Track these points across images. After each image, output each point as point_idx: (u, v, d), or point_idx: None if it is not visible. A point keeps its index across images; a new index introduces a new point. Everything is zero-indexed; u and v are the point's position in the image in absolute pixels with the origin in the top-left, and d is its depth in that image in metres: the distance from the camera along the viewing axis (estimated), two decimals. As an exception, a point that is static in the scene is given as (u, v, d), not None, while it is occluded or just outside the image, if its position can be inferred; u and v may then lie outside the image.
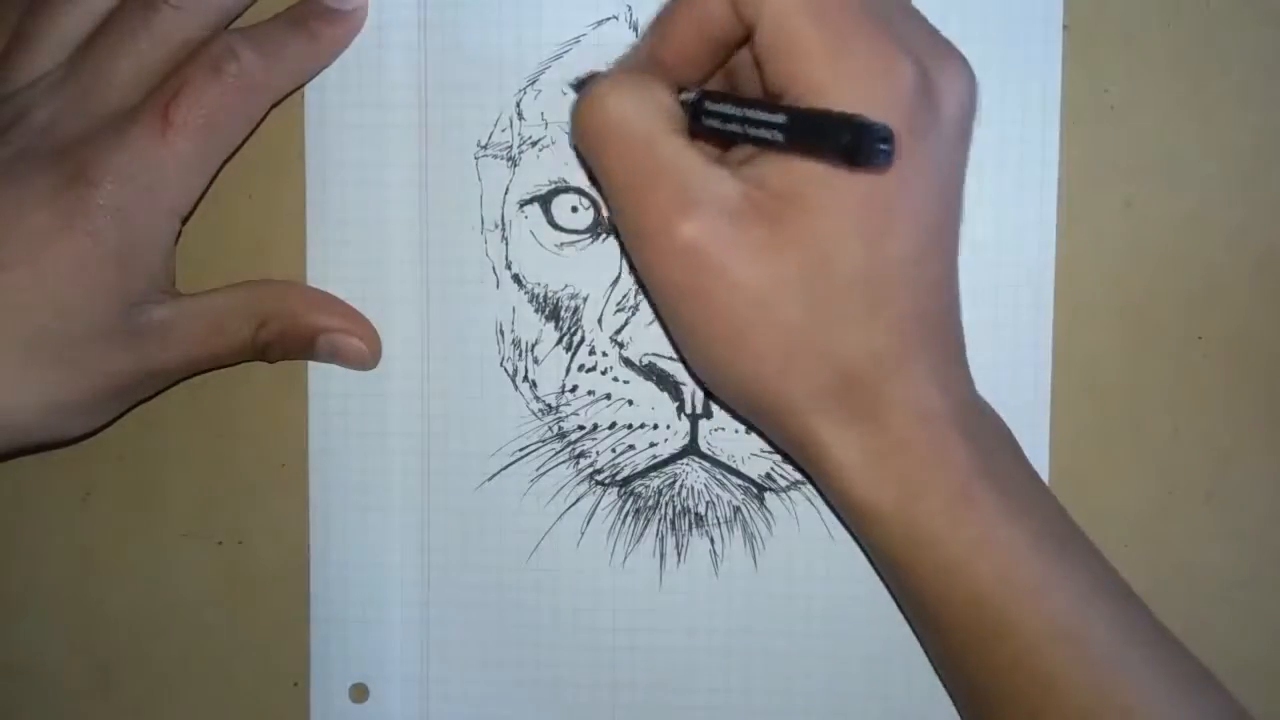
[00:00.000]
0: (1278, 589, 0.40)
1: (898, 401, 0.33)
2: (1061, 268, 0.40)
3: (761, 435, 0.40)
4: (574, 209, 0.41)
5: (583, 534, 0.42)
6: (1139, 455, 0.40)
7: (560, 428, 0.41)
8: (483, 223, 0.41)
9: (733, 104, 0.33)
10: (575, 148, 0.38)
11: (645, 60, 0.35)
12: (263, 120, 0.39)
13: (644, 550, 0.42)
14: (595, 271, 0.41)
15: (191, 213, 0.39)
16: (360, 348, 0.41)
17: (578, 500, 0.42)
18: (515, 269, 0.41)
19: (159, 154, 0.37)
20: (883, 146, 0.29)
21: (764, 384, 0.33)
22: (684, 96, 0.34)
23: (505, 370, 0.41)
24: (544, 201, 0.41)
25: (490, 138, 0.41)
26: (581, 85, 0.40)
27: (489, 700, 0.42)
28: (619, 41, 0.40)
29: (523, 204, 0.41)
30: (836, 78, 0.31)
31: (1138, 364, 0.40)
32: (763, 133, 0.32)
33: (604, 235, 0.41)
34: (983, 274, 0.40)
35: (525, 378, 0.41)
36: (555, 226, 0.41)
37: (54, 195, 0.36)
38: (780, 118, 0.31)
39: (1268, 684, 0.40)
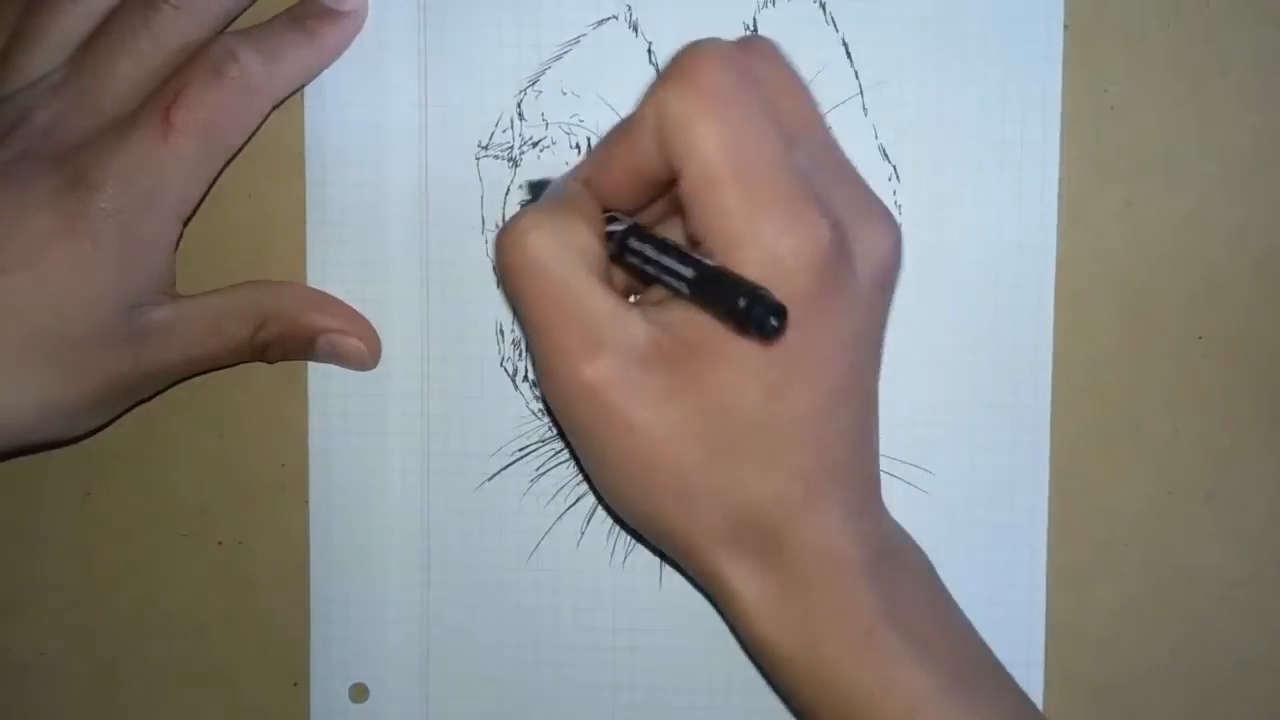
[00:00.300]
0: (1278, 589, 0.40)
1: (799, 545, 0.33)
2: (1061, 268, 0.40)
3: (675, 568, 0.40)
4: (574, 209, 0.41)
5: (583, 534, 0.42)
6: (1139, 455, 0.40)
7: (560, 428, 0.41)
8: (483, 223, 0.41)
9: (652, 247, 0.33)
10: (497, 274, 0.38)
11: (579, 186, 0.35)
12: (264, 121, 0.39)
13: (644, 550, 0.42)
14: (595, 271, 0.41)
15: (193, 214, 0.39)
16: (360, 348, 0.41)
17: (578, 500, 0.42)
18: (515, 269, 0.41)
19: (160, 156, 0.37)
20: (772, 321, 0.30)
21: (668, 522, 0.34)
22: (612, 227, 0.35)
23: (505, 370, 0.41)
24: (544, 201, 0.41)
25: (491, 138, 0.41)
26: (534, 188, 0.40)
27: (489, 700, 0.42)
28: (619, 41, 0.40)
29: (523, 204, 0.41)
30: (751, 234, 0.31)
31: (1138, 364, 0.40)
32: (672, 281, 0.32)
33: (604, 235, 0.41)
34: (983, 274, 0.40)
35: (525, 378, 0.41)
36: (555, 226, 0.41)
37: (55, 198, 0.36)
38: (688, 271, 0.32)
39: (1268, 684, 0.40)
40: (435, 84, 0.41)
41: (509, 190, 0.41)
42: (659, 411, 0.33)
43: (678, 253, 0.32)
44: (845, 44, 0.40)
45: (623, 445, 0.33)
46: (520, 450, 0.42)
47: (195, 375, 0.41)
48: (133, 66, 0.38)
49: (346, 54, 0.41)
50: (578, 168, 0.37)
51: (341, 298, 0.41)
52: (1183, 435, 0.40)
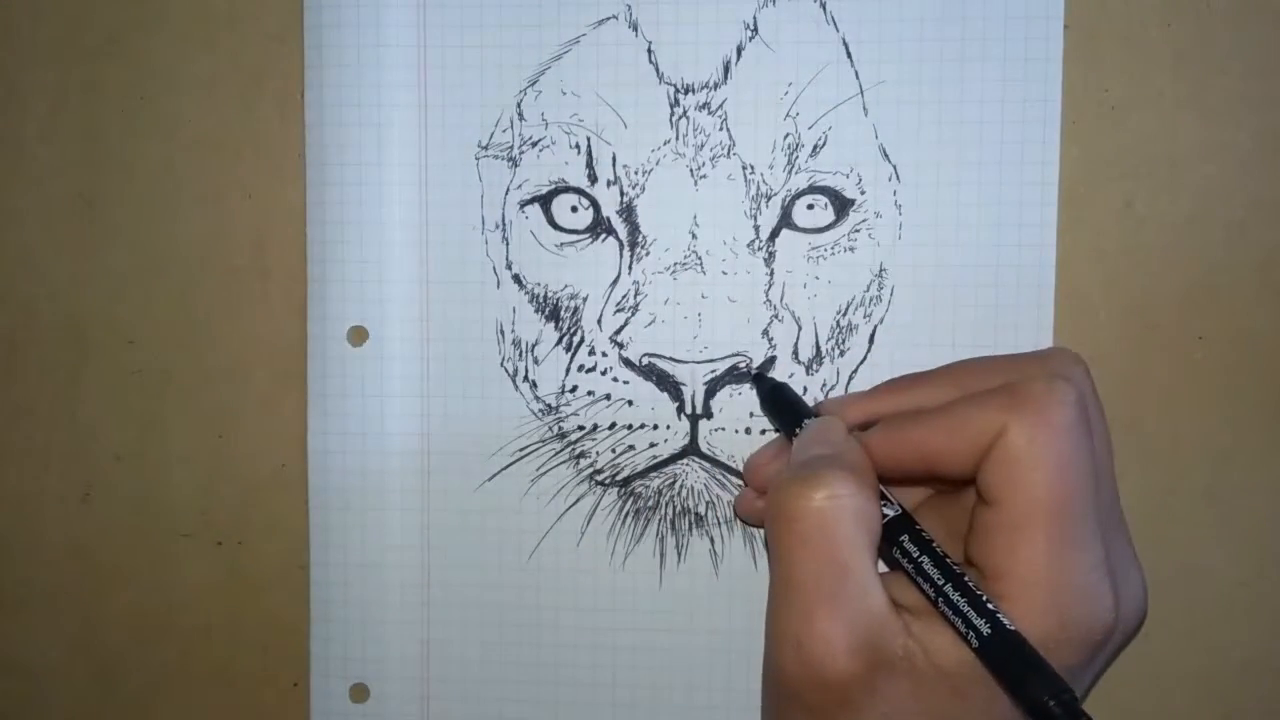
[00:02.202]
0: (1278, 589, 0.40)
1: None
2: (1061, 268, 0.40)
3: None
4: (574, 209, 0.41)
5: (583, 534, 0.42)
6: (1139, 455, 0.40)
7: (560, 428, 0.41)
8: (483, 223, 0.41)
9: (934, 565, 0.32)
10: (764, 520, 0.35)
11: (860, 451, 0.34)
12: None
13: (644, 550, 0.42)
14: (595, 271, 0.41)
15: None
16: None
17: (578, 500, 0.42)
18: (515, 269, 0.41)
19: None
20: None
21: None
22: (884, 509, 0.33)
23: (505, 370, 0.41)
24: (544, 202, 0.41)
25: (490, 138, 0.41)
26: (766, 388, 0.39)
27: (489, 700, 0.42)
28: (619, 41, 0.40)
29: (523, 204, 0.41)
30: (1046, 590, 0.31)
31: (1138, 364, 0.40)
32: (953, 617, 0.31)
33: (604, 235, 0.41)
34: (983, 274, 0.40)
35: (525, 378, 0.41)
36: (555, 227, 0.41)
37: None
38: (985, 628, 0.31)
39: (1268, 684, 0.40)
40: (435, 84, 0.41)
41: (508, 190, 0.41)
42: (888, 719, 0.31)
43: (968, 591, 0.31)
44: (845, 44, 0.40)
45: None
46: (520, 450, 0.42)
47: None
48: None
49: (346, 53, 0.41)
50: (844, 409, 0.35)
51: (341, 298, 0.41)
52: (1183, 435, 0.40)
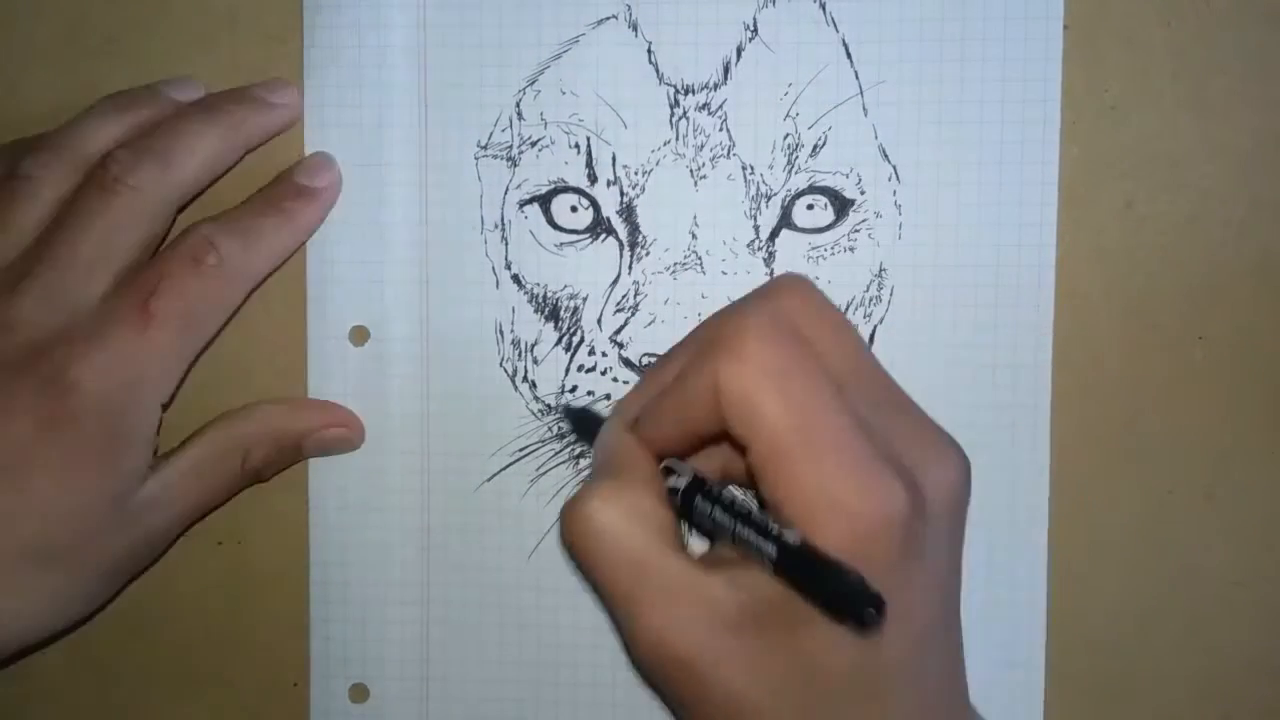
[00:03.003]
0: (1278, 589, 0.40)
1: None
2: (1061, 268, 0.40)
3: None
4: (573, 209, 0.41)
5: (583, 534, 0.42)
6: (1139, 455, 0.40)
7: (560, 428, 0.41)
8: (483, 223, 0.41)
9: (722, 510, 0.33)
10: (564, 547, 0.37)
11: (631, 440, 0.35)
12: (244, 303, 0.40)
13: (644, 550, 0.41)
14: (595, 272, 0.41)
15: (173, 400, 0.39)
16: (344, 434, 0.41)
17: (578, 500, 0.42)
18: (515, 269, 0.41)
19: (141, 349, 0.36)
20: (871, 611, 0.29)
21: None
22: (673, 482, 0.34)
23: (505, 370, 0.41)
24: (544, 201, 0.41)
25: (490, 138, 0.41)
26: (573, 417, 0.40)
27: (489, 700, 0.42)
28: (618, 41, 0.40)
29: (522, 204, 0.41)
30: (826, 503, 0.31)
31: (1138, 364, 0.40)
32: (752, 551, 0.32)
33: (603, 235, 0.41)
34: (983, 274, 0.40)
35: (525, 378, 0.41)
36: (555, 226, 0.41)
37: (34, 401, 0.35)
38: (770, 548, 0.31)
39: (1268, 684, 0.40)
40: (435, 84, 0.41)
41: (508, 190, 0.41)
42: (754, 676, 0.32)
43: (754, 524, 0.32)
44: (845, 44, 0.40)
45: (716, 710, 0.32)
46: (520, 450, 0.42)
47: (194, 524, 0.41)
48: (94, 252, 0.37)
49: (347, 53, 0.41)
50: (622, 408, 0.36)
51: (341, 298, 0.41)
52: (1183, 435, 0.40)
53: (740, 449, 0.33)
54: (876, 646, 0.32)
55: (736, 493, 0.34)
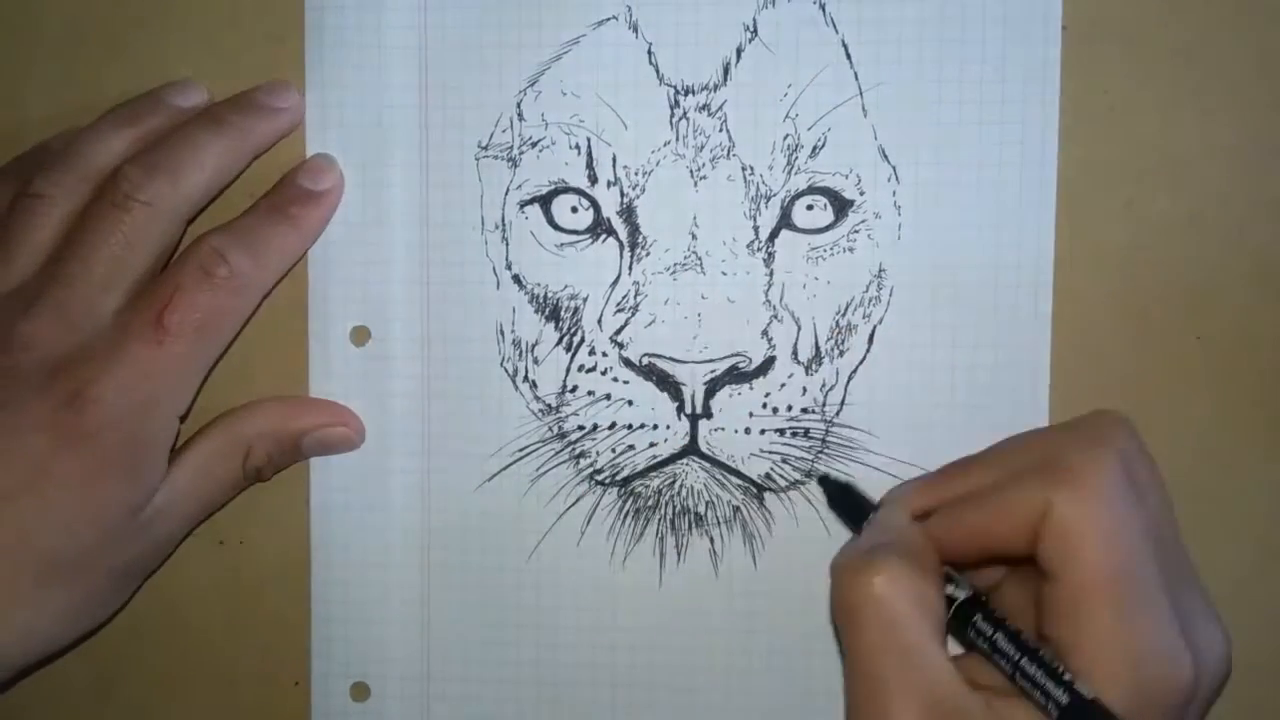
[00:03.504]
0: (1278, 589, 0.40)
1: None
2: (1061, 268, 0.40)
3: None
4: (574, 209, 0.41)
5: (583, 534, 0.42)
6: (1139, 455, 0.40)
7: (560, 428, 0.41)
8: (483, 223, 0.41)
9: (1005, 637, 0.33)
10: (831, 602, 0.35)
11: (922, 536, 0.34)
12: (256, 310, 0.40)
13: (644, 550, 0.42)
14: (595, 272, 0.41)
15: (189, 412, 0.39)
16: (344, 433, 0.41)
17: (578, 500, 0.42)
18: (515, 269, 0.41)
19: (157, 362, 0.37)
20: None
21: None
22: (951, 591, 0.34)
23: (505, 370, 0.41)
24: (544, 202, 0.41)
25: (490, 138, 0.41)
26: (832, 489, 0.39)
27: (489, 700, 0.42)
28: (619, 42, 0.40)
29: (523, 204, 0.41)
30: (1120, 658, 0.31)
31: (1136, 364, 0.40)
32: (1034, 694, 0.32)
33: (604, 236, 0.41)
34: (983, 274, 0.40)
35: (525, 378, 0.41)
36: (555, 227, 0.41)
37: (53, 417, 0.36)
38: (1063, 697, 0.31)
39: (1268, 684, 0.40)
40: (435, 84, 0.41)
41: (508, 190, 0.41)
42: None
43: (1043, 663, 0.32)
44: (845, 44, 0.40)
45: None
46: (520, 450, 0.42)
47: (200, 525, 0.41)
48: (108, 269, 0.37)
49: (347, 53, 0.41)
50: (908, 495, 0.36)
51: (341, 298, 0.41)
52: (1182, 435, 0.40)
53: (1040, 578, 0.32)
54: None
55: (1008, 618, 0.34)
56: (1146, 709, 0.31)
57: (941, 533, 0.34)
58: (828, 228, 0.40)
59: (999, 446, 0.35)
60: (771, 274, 0.40)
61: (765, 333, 0.40)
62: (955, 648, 0.34)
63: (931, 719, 0.31)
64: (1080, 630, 0.31)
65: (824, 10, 0.40)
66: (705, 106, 0.40)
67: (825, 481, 0.40)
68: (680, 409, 0.41)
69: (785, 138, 0.40)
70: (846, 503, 0.39)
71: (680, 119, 0.40)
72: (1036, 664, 0.32)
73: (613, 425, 0.41)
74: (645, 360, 0.41)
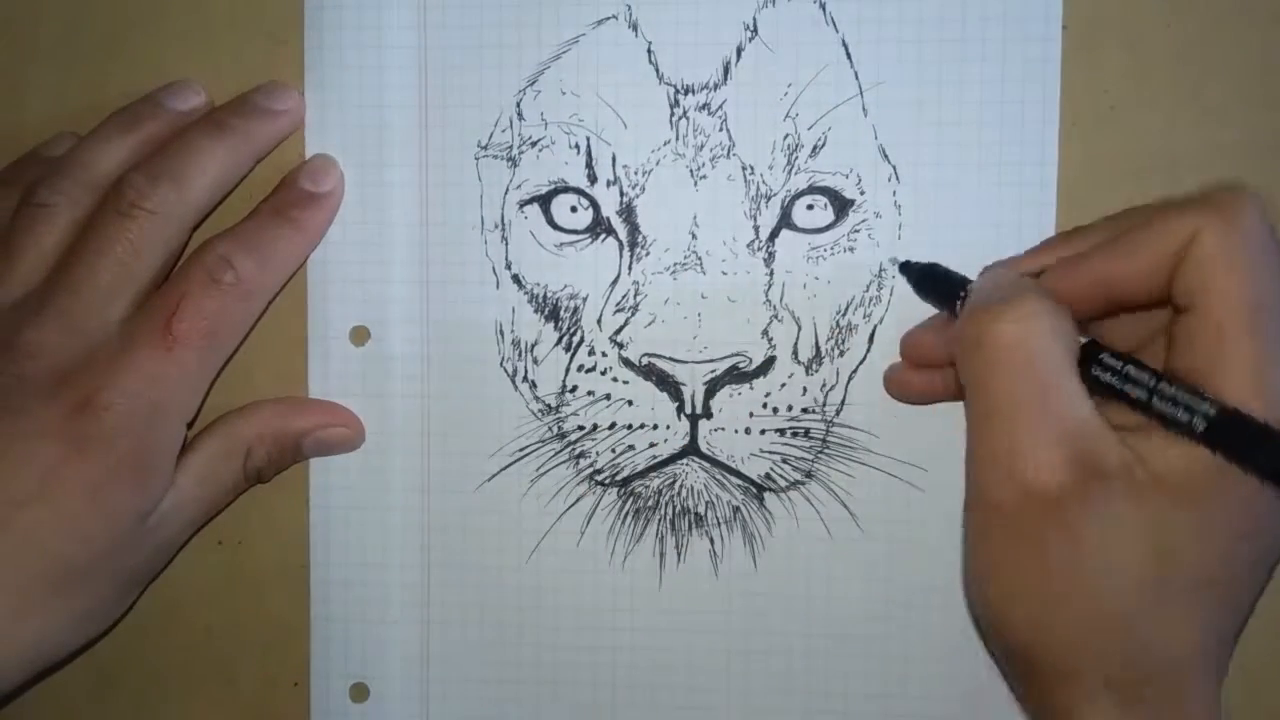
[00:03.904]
0: (1278, 589, 0.40)
1: (1201, 711, 0.32)
2: (1061, 268, 0.40)
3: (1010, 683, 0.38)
4: (573, 209, 0.41)
5: (583, 534, 0.42)
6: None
7: (560, 428, 0.41)
8: (483, 223, 0.41)
9: (1138, 369, 0.32)
10: (959, 353, 0.35)
11: (1035, 283, 0.34)
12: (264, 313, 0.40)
13: (644, 550, 0.42)
14: (595, 272, 0.41)
15: (196, 417, 0.39)
16: (344, 433, 0.41)
17: (578, 500, 0.42)
18: (515, 269, 0.41)
19: (165, 369, 0.37)
20: None
21: (1052, 643, 0.32)
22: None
23: (505, 370, 0.41)
24: (543, 202, 0.41)
25: (490, 138, 0.41)
26: (916, 271, 0.39)
27: (489, 700, 0.42)
28: (618, 41, 0.40)
29: (522, 204, 0.41)
30: (1258, 390, 0.31)
31: (1137, 364, 0.40)
32: (1176, 413, 0.31)
33: (603, 235, 0.41)
34: (982, 274, 0.40)
35: (525, 378, 0.41)
36: (555, 227, 0.41)
37: (62, 425, 0.36)
38: (1208, 409, 0.31)
39: (1268, 684, 0.40)
40: (435, 84, 0.41)
41: (508, 190, 0.41)
42: (1108, 539, 0.31)
43: (1181, 383, 0.32)
44: (845, 44, 0.40)
45: (1053, 562, 0.32)
46: (520, 450, 0.42)
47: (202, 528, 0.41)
48: (114, 277, 0.37)
49: (347, 53, 0.41)
50: (1017, 259, 0.36)
51: (341, 298, 0.41)
52: (1183, 435, 0.40)
53: (1174, 312, 0.32)
54: (1233, 552, 0.32)
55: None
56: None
57: (1060, 283, 0.34)
58: (828, 227, 0.40)
59: (1111, 216, 0.35)
60: (772, 274, 0.40)
61: (765, 332, 0.40)
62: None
63: (1065, 448, 0.31)
64: (1222, 356, 0.31)
65: (824, 10, 0.40)
66: (705, 106, 0.40)
67: (907, 267, 0.39)
68: (680, 409, 0.41)
69: (785, 137, 0.40)
70: (936, 280, 0.38)
71: (680, 118, 0.40)
72: (1175, 385, 0.32)
73: (612, 425, 0.41)
74: (645, 360, 0.41)
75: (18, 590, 0.36)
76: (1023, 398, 0.32)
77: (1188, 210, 0.32)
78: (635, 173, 0.40)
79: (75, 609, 0.37)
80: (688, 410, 0.41)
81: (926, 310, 0.40)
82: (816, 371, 0.40)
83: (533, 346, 0.41)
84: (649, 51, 0.40)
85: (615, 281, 0.41)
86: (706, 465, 0.41)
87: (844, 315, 0.40)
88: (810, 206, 0.40)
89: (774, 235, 0.40)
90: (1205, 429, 0.31)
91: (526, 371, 0.41)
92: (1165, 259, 0.32)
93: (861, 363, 0.40)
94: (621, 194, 0.40)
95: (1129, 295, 0.33)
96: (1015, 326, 0.32)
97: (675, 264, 0.40)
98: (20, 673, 0.37)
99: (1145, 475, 0.32)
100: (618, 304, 0.41)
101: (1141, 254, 0.32)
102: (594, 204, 0.41)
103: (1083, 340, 0.34)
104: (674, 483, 0.41)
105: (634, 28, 0.40)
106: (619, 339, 0.41)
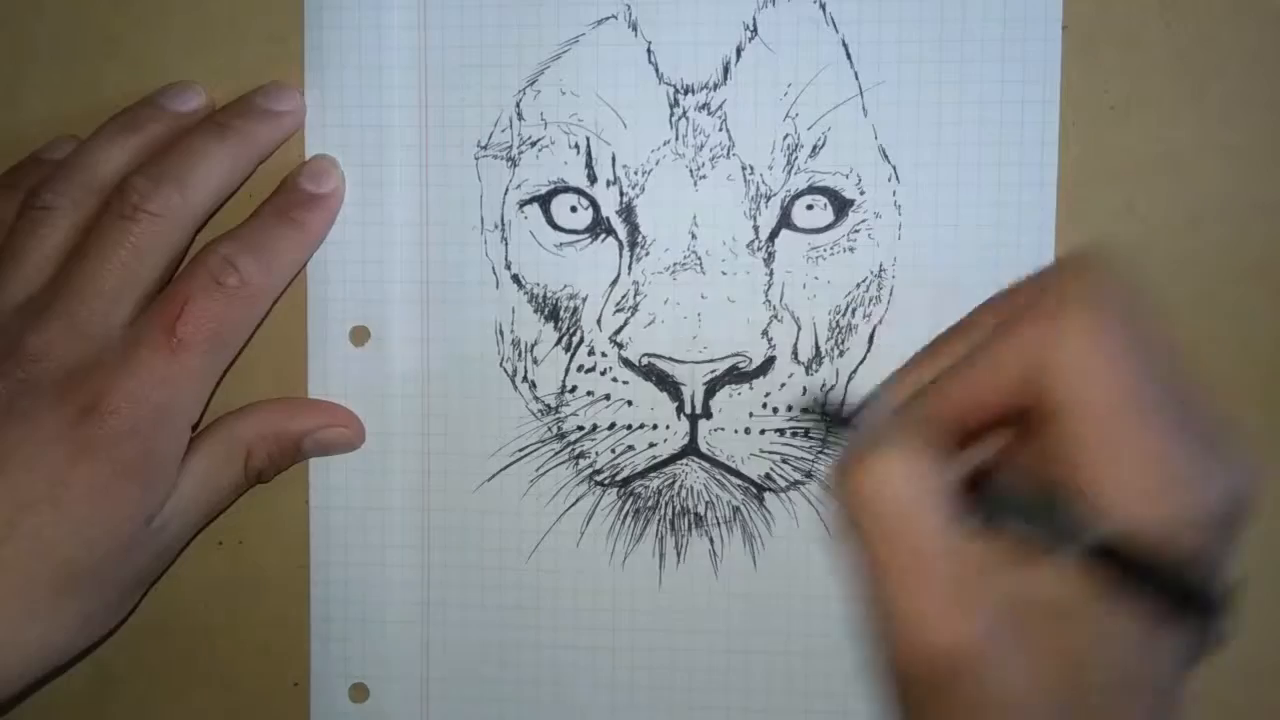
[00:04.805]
0: (1278, 589, 0.40)
1: None
2: (1061, 268, 0.40)
3: None
4: (573, 209, 0.41)
5: (583, 534, 0.42)
6: (1139, 455, 0.40)
7: (560, 428, 0.41)
8: (483, 223, 0.41)
9: (1021, 498, 0.31)
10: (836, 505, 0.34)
11: (919, 417, 0.32)
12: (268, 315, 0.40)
13: (644, 550, 0.42)
14: (594, 272, 0.41)
15: (201, 419, 0.39)
16: (344, 434, 0.41)
17: (578, 500, 0.42)
18: (515, 269, 0.41)
19: (170, 372, 0.37)
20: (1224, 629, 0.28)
21: None
22: (948, 469, 0.32)
23: (505, 370, 0.41)
24: (543, 202, 0.41)
25: (490, 138, 0.41)
26: (814, 405, 0.39)
27: (489, 700, 0.42)
28: (618, 41, 0.40)
29: (522, 204, 0.41)
30: (1148, 482, 0.29)
31: (1137, 364, 0.40)
32: (1057, 542, 0.30)
33: (603, 236, 0.41)
34: (983, 274, 0.40)
35: (525, 378, 0.41)
36: (555, 226, 0.41)
37: (68, 429, 0.36)
38: (1088, 536, 0.29)
39: (1268, 684, 0.40)
40: (435, 84, 0.41)
41: (507, 190, 0.41)
42: (1016, 678, 0.30)
43: (1061, 507, 0.30)
44: (845, 44, 0.40)
45: (968, 711, 0.30)
46: (520, 450, 0.42)
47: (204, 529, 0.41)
48: (117, 281, 0.37)
49: (346, 54, 0.41)
50: (891, 386, 0.35)
51: (341, 298, 0.41)
52: (1183, 435, 0.40)
53: (1032, 430, 0.31)
54: (1144, 653, 0.30)
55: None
56: (1187, 531, 0.29)
57: (933, 409, 0.32)
58: (828, 227, 0.40)
59: (974, 311, 0.34)
60: (771, 274, 0.40)
61: (765, 332, 0.40)
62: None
63: (961, 601, 0.30)
64: (1099, 463, 0.29)
65: (824, 10, 0.40)
66: (705, 106, 0.40)
67: (810, 406, 0.40)
68: (680, 409, 0.41)
69: (785, 137, 0.40)
70: (837, 415, 0.38)
71: (680, 118, 0.40)
72: (1055, 510, 0.30)
73: (612, 425, 0.41)
74: (645, 360, 0.41)
75: (23, 593, 0.36)
76: (900, 552, 0.31)
77: (1034, 316, 0.30)
78: (635, 173, 0.40)
79: (80, 611, 0.37)
80: (687, 410, 0.40)
81: (926, 311, 0.40)
82: (816, 371, 0.40)
83: (533, 346, 0.41)
84: (649, 51, 0.40)
85: (615, 281, 0.41)
86: (706, 465, 0.41)
87: (844, 315, 0.40)
88: (810, 206, 0.40)
89: (774, 235, 0.40)
90: (1089, 555, 0.30)
91: (526, 371, 0.41)
92: (1026, 373, 0.30)
93: (861, 363, 0.40)
94: (621, 194, 0.40)
95: (1005, 410, 0.32)
96: (875, 475, 0.31)
97: (675, 264, 0.40)
98: (25, 676, 0.37)
99: (1035, 606, 0.30)
100: (618, 304, 0.41)
101: (1002, 370, 0.31)
102: (594, 204, 0.41)
103: (964, 470, 0.33)
104: (674, 483, 0.41)
105: (634, 28, 0.40)
106: (619, 339, 0.41)
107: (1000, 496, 0.31)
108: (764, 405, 0.40)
